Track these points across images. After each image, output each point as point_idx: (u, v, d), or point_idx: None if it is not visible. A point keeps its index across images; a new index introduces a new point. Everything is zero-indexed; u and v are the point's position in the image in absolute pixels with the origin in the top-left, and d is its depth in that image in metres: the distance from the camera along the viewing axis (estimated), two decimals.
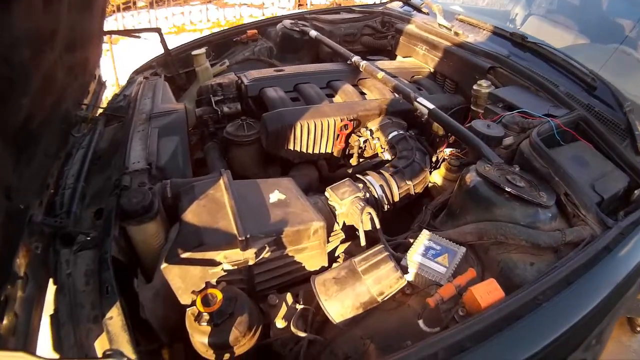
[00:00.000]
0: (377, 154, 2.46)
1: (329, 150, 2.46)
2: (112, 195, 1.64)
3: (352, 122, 2.39)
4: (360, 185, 1.89)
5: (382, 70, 2.85)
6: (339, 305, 1.38)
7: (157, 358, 1.45)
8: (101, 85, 2.92)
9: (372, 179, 2.00)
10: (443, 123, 2.16)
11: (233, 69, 3.55)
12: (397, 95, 2.53)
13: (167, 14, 9.51)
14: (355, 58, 2.89)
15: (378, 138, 2.41)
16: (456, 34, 2.87)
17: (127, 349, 1.15)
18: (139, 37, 3.48)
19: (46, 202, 1.56)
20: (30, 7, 1.19)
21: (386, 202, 1.97)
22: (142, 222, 1.52)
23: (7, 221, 1.19)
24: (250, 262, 1.45)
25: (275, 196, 1.72)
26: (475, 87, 2.46)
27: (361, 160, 2.49)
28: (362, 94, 2.75)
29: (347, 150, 2.51)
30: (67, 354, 1.16)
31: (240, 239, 1.40)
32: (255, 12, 10.41)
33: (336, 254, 1.84)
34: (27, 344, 1.16)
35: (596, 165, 1.87)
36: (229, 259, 1.43)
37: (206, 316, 1.21)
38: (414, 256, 1.52)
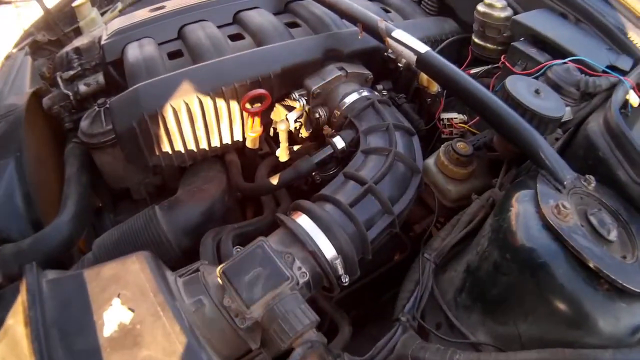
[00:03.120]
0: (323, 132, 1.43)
1: (237, 138, 1.41)
2: None
3: (275, 86, 1.33)
4: (288, 252, 0.88)
5: None
6: None
7: None
8: None
9: (310, 225, 0.96)
10: (442, 80, 1.13)
11: (127, 12, 2.37)
12: (353, 25, 1.43)
13: None
14: None
15: (321, 107, 1.38)
16: None
17: None
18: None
19: None
20: None
21: (344, 271, 0.97)
22: None
23: None
24: None
25: (113, 318, 0.82)
26: (481, 7, 1.52)
27: (295, 149, 1.44)
28: (294, 26, 1.63)
29: (272, 132, 1.47)
30: None
31: None
32: None
33: None
34: None
35: None
36: None
37: None
38: None
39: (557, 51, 1.31)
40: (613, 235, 0.84)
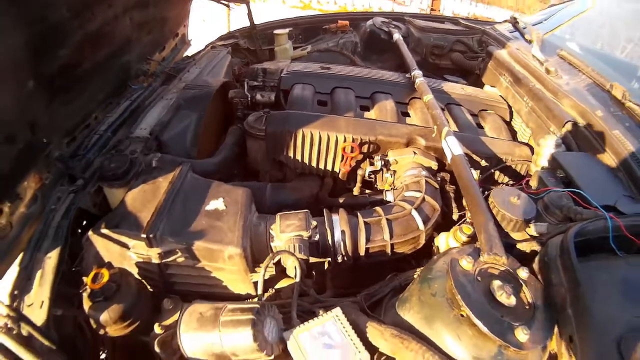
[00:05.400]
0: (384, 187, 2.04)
1: (335, 169, 2.11)
2: (108, 153, 1.78)
3: (368, 146, 2.01)
4: (314, 223, 1.56)
5: (439, 92, 2.42)
6: (193, 342, 1.21)
7: None
8: (184, 44, 3.06)
9: (337, 220, 1.62)
10: (458, 176, 1.66)
11: (313, 56, 3.44)
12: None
13: None
14: (415, 72, 2.45)
15: (393, 172, 1.99)
16: (547, 70, 2.24)
17: (45, 289, 1.29)
18: (227, 5, 3.58)
19: (81, 141, 1.80)
20: None
21: (342, 253, 1.59)
22: (112, 186, 1.60)
23: (25, 150, 1.41)
24: (154, 261, 1.41)
25: (215, 204, 1.54)
26: (540, 140, 1.92)
27: (367, 192, 2.10)
28: (406, 115, 2.33)
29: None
30: (19, 272, 1.34)
31: (142, 235, 1.37)
32: (386, 5, 9.98)
33: (276, 287, 1.61)
34: (9, 252, 1.36)
35: None
36: (135, 249, 1.42)
37: (88, 290, 1.27)
38: (302, 334, 1.16)
39: (573, 186, 1.59)
40: (504, 299, 1.15)
